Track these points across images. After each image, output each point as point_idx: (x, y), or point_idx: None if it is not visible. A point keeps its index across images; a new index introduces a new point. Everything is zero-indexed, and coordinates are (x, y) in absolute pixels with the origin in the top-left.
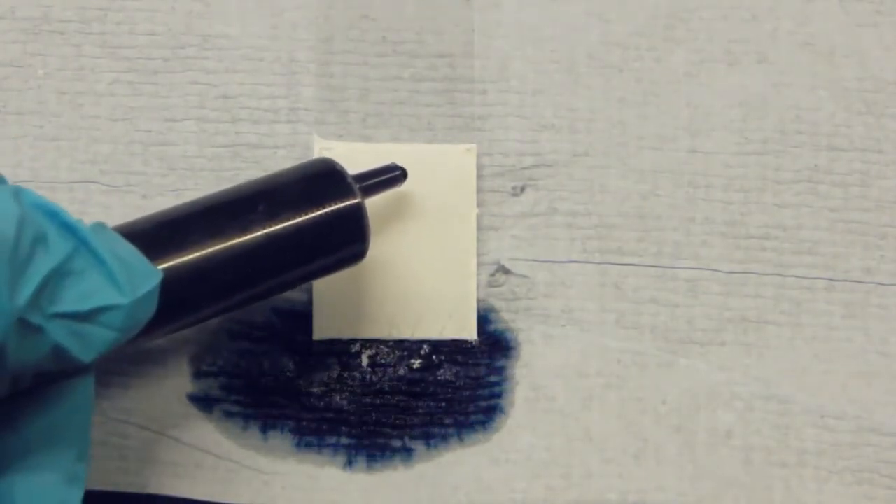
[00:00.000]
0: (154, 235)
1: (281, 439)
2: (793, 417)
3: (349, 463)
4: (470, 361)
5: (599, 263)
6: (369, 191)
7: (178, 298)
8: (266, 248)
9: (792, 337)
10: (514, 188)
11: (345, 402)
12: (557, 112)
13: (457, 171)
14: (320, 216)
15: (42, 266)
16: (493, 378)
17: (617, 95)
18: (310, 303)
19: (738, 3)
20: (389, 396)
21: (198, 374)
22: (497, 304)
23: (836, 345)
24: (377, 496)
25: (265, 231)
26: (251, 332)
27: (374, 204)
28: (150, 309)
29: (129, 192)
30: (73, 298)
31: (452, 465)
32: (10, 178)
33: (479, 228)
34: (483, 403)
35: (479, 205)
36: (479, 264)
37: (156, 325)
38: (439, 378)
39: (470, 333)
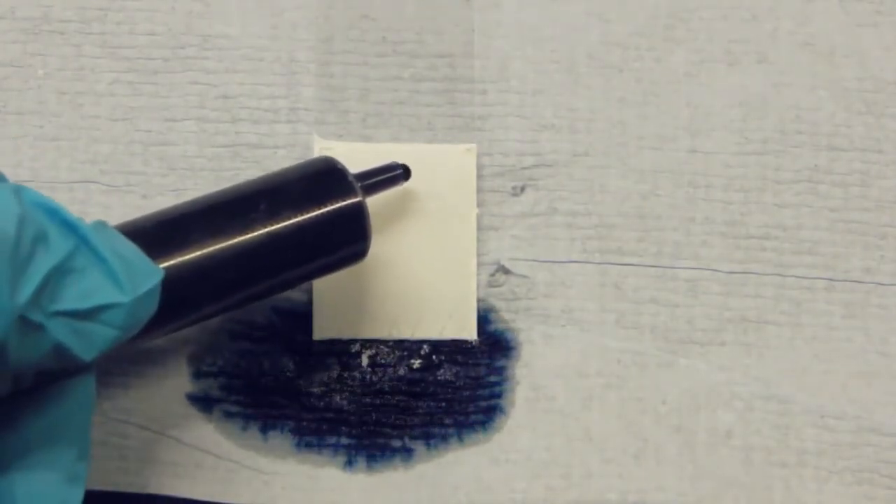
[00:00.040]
0: (155, 234)
1: (281, 439)
2: (793, 417)
3: (349, 463)
4: (470, 361)
5: (599, 263)
6: (370, 189)
7: (179, 297)
8: (267, 246)
9: (792, 337)
10: (514, 188)
11: (345, 402)
12: (557, 112)
13: (457, 171)
14: (321, 215)
15: (43, 264)
16: (493, 378)
17: (617, 95)
18: (310, 303)
19: (738, 3)
20: (389, 396)
21: (198, 374)
22: (497, 304)
23: (836, 345)
24: (377, 496)
25: (266, 230)
26: (251, 332)
27: (373, 204)
28: (151, 307)
29: (129, 192)
30: (73, 296)
31: (452, 465)
32: (11, 178)
33: (479, 228)
34: (483, 403)
35: (479, 205)
36: (479, 264)
37: (157, 323)
38: (439, 378)
39: (470, 333)
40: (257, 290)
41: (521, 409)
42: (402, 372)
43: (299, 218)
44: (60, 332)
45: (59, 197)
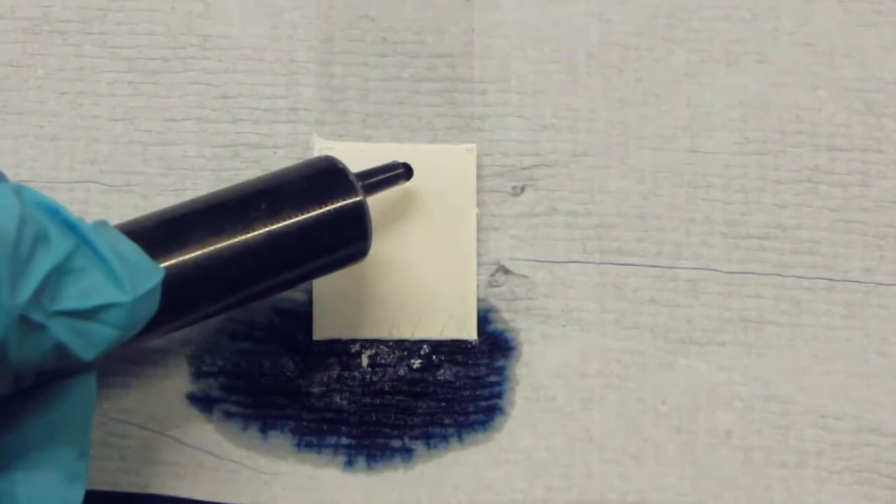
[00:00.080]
0: (155, 233)
1: (281, 439)
2: (793, 417)
3: (349, 463)
4: (470, 361)
5: (599, 263)
6: (371, 189)
7: (179, 296)
8: (268, 245)
9: (792, 337)
10: (514, 188)
11: (345, 402)
12: (557, 112)
13: (457, 171)
14: (322, 214)
15: (43, 264)
16: (493, 378)
17: (617, 95)
18: (310, 303)
19: (738, 3)
20: (389, 396)
21: (198, 374)
22: (497, 304)
23: (836, 345)
24: (377, 496)
25: (267, 229)
26: (251, 332)
27: (373, 204)
28: (152, 307)
29: (129, 192)
30: (74, 296)
31: (452, 465)
32: (11, 177)
33: (479, 228)
34: (483, 403)
35: (479, 205)
36: (479, 264)
37: (157, 323)
38: (439, 378)
39: (470, 333)
40: (258, 289)
41: (521, 409)
42: (402, 372)
43: (300, 217)
44: (61, 331)
45: (59, 197)
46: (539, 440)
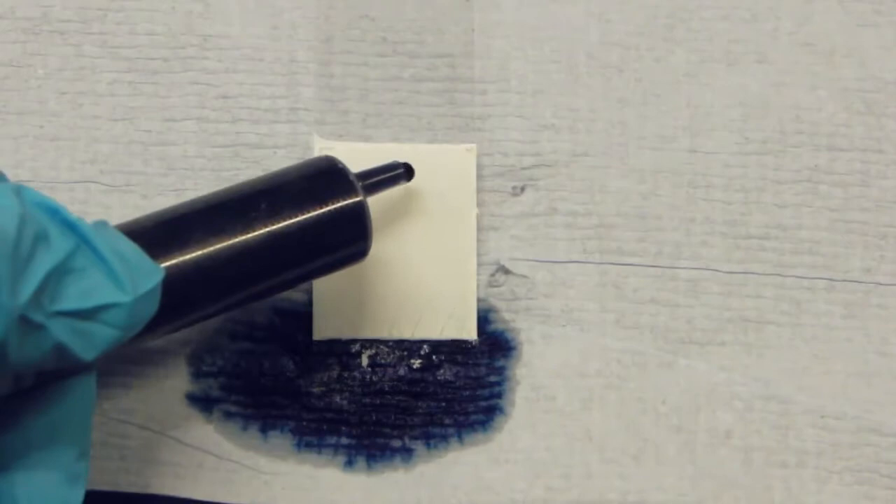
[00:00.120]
0: (156, 233)
1: (281, 439)
2: (793, 417)
3: (349, 463)
4: (470, 361)
5: (599, 263)
6: (371, 189)
7: (180, 296)
8: (268, 245)
9: (792, 337)
10: (514, 188)
11: (345, 402)
12: (557, 112)
13: (457, 170)
14: (322, 214)
15: (43, 264)
16: (493, 378)
17: (617, 95)
18: (310, 303)
19: (738, 3)
20: (389, 396)
21: (198, 374)
22: (497, 304)
23: (836, 345)
24: (377, 496)
25: (267, 229)
26: (251, 332)
27: (373, 204)
28: (152, 307)
29: (129, 192)
30: (74, 296)
31: (452, 465)
32: (11, 177)
33: (479, 228)
34: (483, 403)
35: (479, 205)
36: (479, 264)
37: (158, 323)
38: (439, 378)
39: (470, 333)
40: (258, 289)
41: (521, 409)
42: (402, 372)
43: (300, 217)
44: (61, 331)
45: (59, 197)
46: (539, 440)
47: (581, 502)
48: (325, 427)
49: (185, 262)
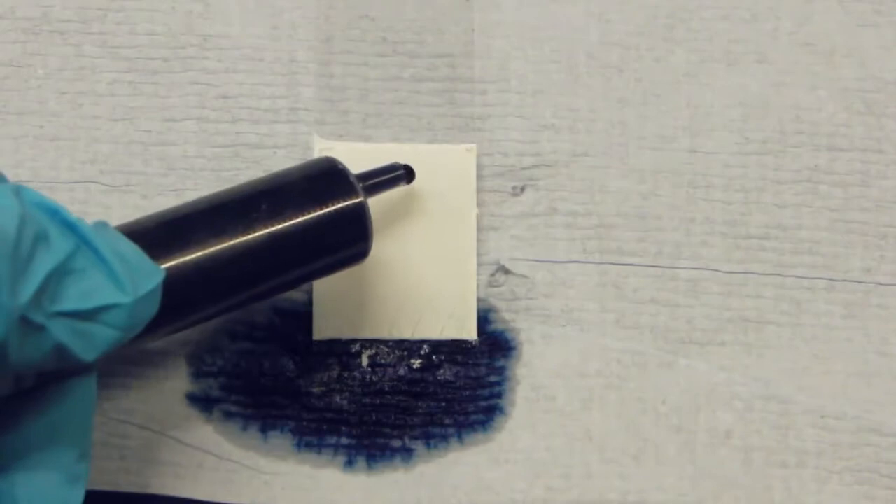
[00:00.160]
0: (156, 234)
1: (281, 439)
2: (793, 417)
3: (349, 463)
4: (470, 361)
5: (599, 263)
6: (372, 190)
7: (180, 297)
8: (269, 246)
9: (792, 337)
10: (514, 188)
11: (345, 402)
12: (557, 112)
13: (457, 171)
14: (323, 215)
15: (44, 264)
16: (493, 378)
17: (617, 95)
18: (310, 303)
19: (738, 3)
20: (389, 396)
21: (198, 374)
22: (497, 304)
23: (836, 345)
24: (377, 496)
25: (268, 230)
26: (251, 332)
27: (373, 204)
28: (153, 308)
29: (129, 192)
30: (74, 297)
31: (452, 465)
32: (11, 178)
33: (479, 228)
34: (483, 403)
35: (479, 205)
36: (479, 264)
37: (158, 324)
38: (439, 378)
39: (470, 333)
40: (258, 290)
41: (521, 409)
42: (402, 372)
43: (301, 218)
44: (61, 332)
45: (59, 197)
46: (539, 440)
47: (581, 502)
48: (325, 427)
49: (185, 263)
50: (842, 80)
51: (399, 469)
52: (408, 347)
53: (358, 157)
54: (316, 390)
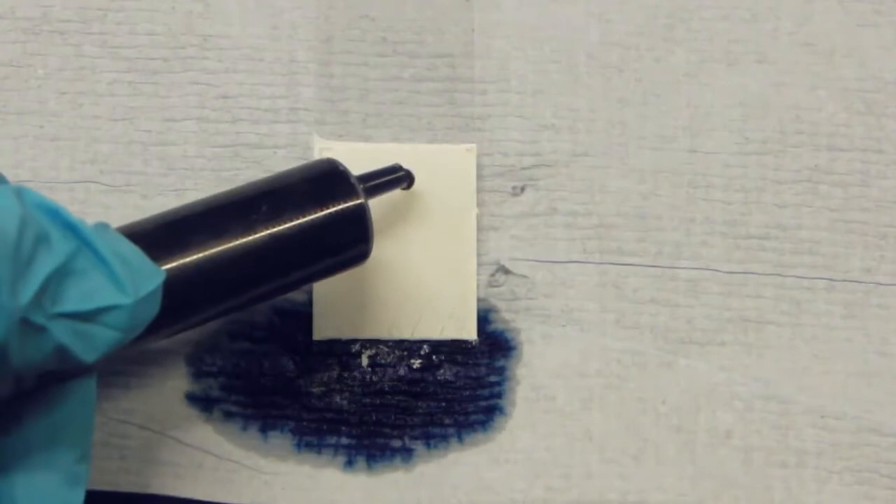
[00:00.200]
0: (157, 235)
1: (281, 439)
2: (793, 417)
3: (349, 463)
4: (470, 361)
5: (599, 263)
6: (373, 192)
7: (181, 299)
8: (269, 248)
9: (792, 337)
10: (514, 188)
11: (345, 402)
12: (557, 112)
13: (457, 171)
14: (324, 217)
15: (44, 265)
16: (493, 378)
17: (617, 95)
18: (310, 303)
19: (738, 3)
20: (389, 396)
21: (197, 374)
22: (497, 304)
23: (836, 345)
24: (377, 496)
25: (268, 231)
26: (251, 332)
27: (373, 204)
28: (153, 309)
29: (129, 192)
30: (75, 298)
31: (452, 465)
32: (11, 178)
33: (479, 228)
34: (483, 403)
35: (479, 205)
36: (479, 264)
37: (159, 325)
38: (439, 378)
39: (470, 333)
40: (259, 292)
41: (521, 409)
42: (402, 372)
43: (301, 220)
44: (62, 333)
45: (59, 197)
46: (539, 440)
47: (581, 502)
48: (325, 427)
49: (186, 265)
50: (842, 80)
51: (399, 469)
52: (408, 347)
53: (358, 157)
54: (316, 390)
